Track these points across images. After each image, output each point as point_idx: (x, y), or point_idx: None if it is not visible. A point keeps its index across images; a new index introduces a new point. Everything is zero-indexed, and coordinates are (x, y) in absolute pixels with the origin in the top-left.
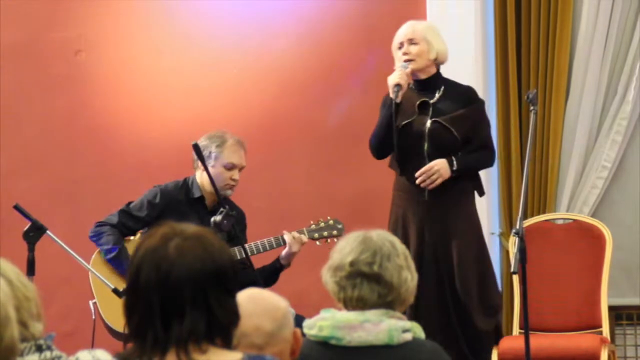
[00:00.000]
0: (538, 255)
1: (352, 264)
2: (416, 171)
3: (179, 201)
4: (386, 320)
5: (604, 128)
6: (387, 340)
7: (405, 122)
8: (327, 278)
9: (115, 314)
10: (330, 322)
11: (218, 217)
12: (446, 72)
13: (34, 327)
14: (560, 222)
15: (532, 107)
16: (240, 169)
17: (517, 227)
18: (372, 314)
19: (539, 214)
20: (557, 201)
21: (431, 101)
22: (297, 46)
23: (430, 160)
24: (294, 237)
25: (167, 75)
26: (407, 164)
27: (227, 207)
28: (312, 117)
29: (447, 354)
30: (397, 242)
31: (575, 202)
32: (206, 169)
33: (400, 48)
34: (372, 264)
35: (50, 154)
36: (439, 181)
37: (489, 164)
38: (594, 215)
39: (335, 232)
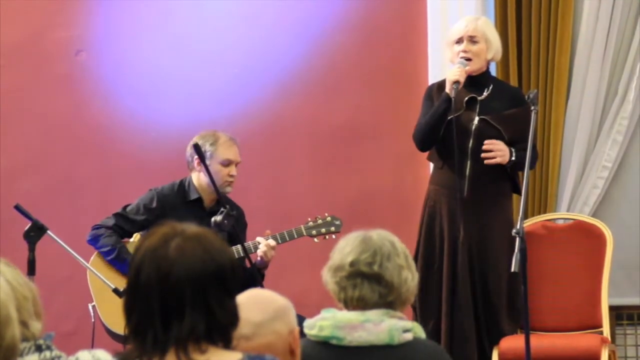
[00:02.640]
0: (538, 255)
1: (352, 264)
2: (458, 167)
3: (176, 204)
4: (387, 320)
5: (605, 128)
6: (387, 340)
7: (452, 116)
8: (328, 278)
9: (114, 317)
10: (331, 322)
11: (219, 217)
12: (448, 71)
13: (34, 327)
14: (560, 222)
15: (532, 107)
16: (236, 164)
17: (518, 227)
18: (372, 314)
19: (539, 213)
20: (558, 201)
21: (479, 98)
22: (297, 46)
23: (473, 157)
24: (266, 247)
25: (167, 75)
26: (448, 159)
27: (227, 206)
28: (312, 117)
29: (447, 354)
30: (397, 241)
31: (575, 202)
32: (206, 167)
33: (458, 43)
34: (372, 264)
35: (50, 153)
36: (497, 160)
37: (533, 165)
38: (594, 215)
39: (333, 229)
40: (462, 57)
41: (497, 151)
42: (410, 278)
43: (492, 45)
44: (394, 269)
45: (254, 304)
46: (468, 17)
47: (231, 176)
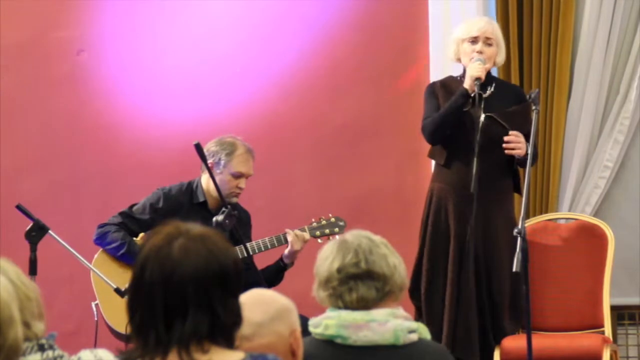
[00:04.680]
0: (540, 255)
1: (339, 270)
2: (464, 163)
3: (182, 205)
4: (392, 320)
5: (606, 127)
6: (392, 340)
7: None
8: (320, 294)
9: (117, 315)
10: (336, 321)
11: (220, 217)
12: (449, 71)
13: (36, 327)
14: (562, 221)
15: (534, 107)
16: (247, 177)
17: (520, 226)
18: (378, 314)
19: (541, 213)
20: (560, 201)
21: (484, 95)
22: (299, 45)
23: (480, 154)
24: (296, 235)
25: (169, 75)
26: (454, 156)
27: (229, 206)
28: (314, 117)
29: (451, 356)
30: (372, 235)
31: (577, 201)
32: (208, 168)
33: (473, 42)
34: (358, 263)
35: (52, 153)
36: (518, 152)
37: (534, 163)
38: (596, 214)
39: (337, 230)
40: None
41: (517, 143)
42: (398, 263)
43: (502, 50)
44: (380, 260)
45: (255, 304)
46: (483, 18)
47: (239, 188)
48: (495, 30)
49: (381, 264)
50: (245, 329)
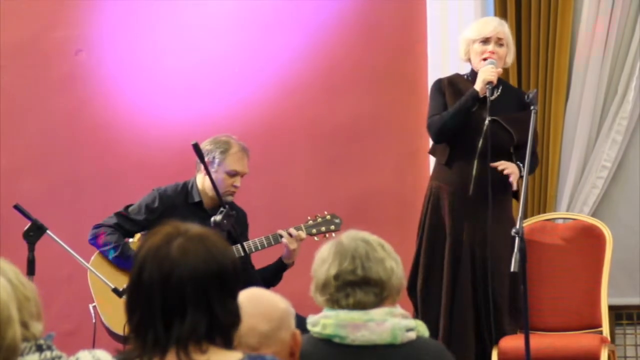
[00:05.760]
0: (538, 255)
1: (336, 277)
2: (465, 164)
3: (178, 205)
4: (390, 319)
5: (604, 128)
6: (390, 339)
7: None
8: (318, 298)
9: (115, 317)
10: (333, 320)
11: (218, 217)
12: (448, 71)
13: (34, 327)
14: (560, 221)
15: (532, 107)
16: (242, 175)
17: (517, 226)
18: (376, 313)
19: (539, 213)
20: (557, 201)
21: (491, 98)
22: (297, 46)
23: (481, 156)
24: (290, 235)
25: (167, 74)
26: (456, 156)
27: (227, 206)
28: (312, 116)
29: (450, 354)
30: (368, 236)
31: (575, 201)
32: (206, 168)
33: (484, 42)
34: (355, 270)
35: (50, 153)
36: (511, 178)
37: (532, 171)
38: (594, 215)
39: (333, 227)
40: (489, 58)
41: (508, 168)
42: (395, 265)
43: (511, 50)
44: (377, 265)
45: (257, 311)
46: (494, 19)
47: (234, 186)
48: (506, 30)
49: (378, 270)
50: (251, 339)
